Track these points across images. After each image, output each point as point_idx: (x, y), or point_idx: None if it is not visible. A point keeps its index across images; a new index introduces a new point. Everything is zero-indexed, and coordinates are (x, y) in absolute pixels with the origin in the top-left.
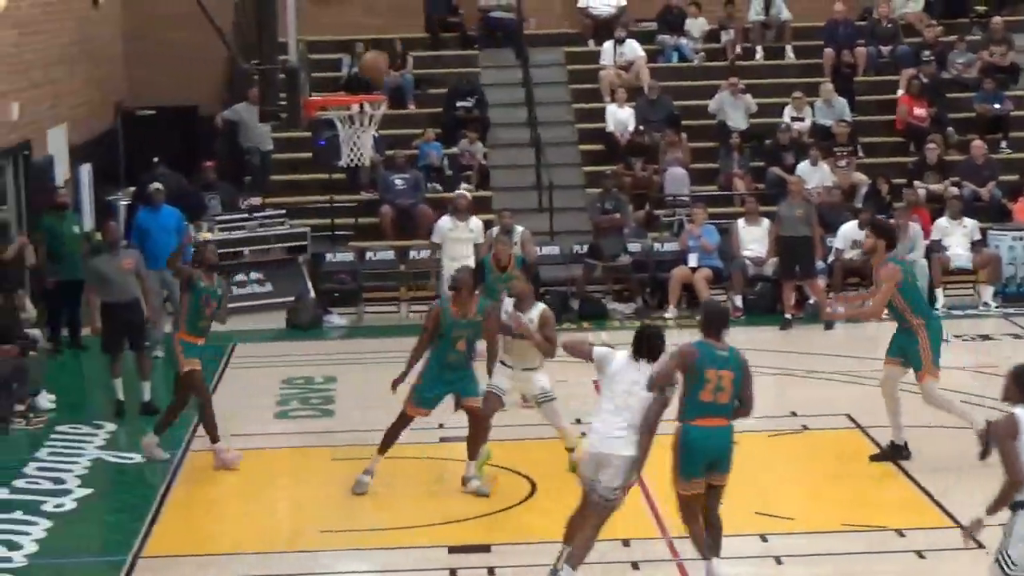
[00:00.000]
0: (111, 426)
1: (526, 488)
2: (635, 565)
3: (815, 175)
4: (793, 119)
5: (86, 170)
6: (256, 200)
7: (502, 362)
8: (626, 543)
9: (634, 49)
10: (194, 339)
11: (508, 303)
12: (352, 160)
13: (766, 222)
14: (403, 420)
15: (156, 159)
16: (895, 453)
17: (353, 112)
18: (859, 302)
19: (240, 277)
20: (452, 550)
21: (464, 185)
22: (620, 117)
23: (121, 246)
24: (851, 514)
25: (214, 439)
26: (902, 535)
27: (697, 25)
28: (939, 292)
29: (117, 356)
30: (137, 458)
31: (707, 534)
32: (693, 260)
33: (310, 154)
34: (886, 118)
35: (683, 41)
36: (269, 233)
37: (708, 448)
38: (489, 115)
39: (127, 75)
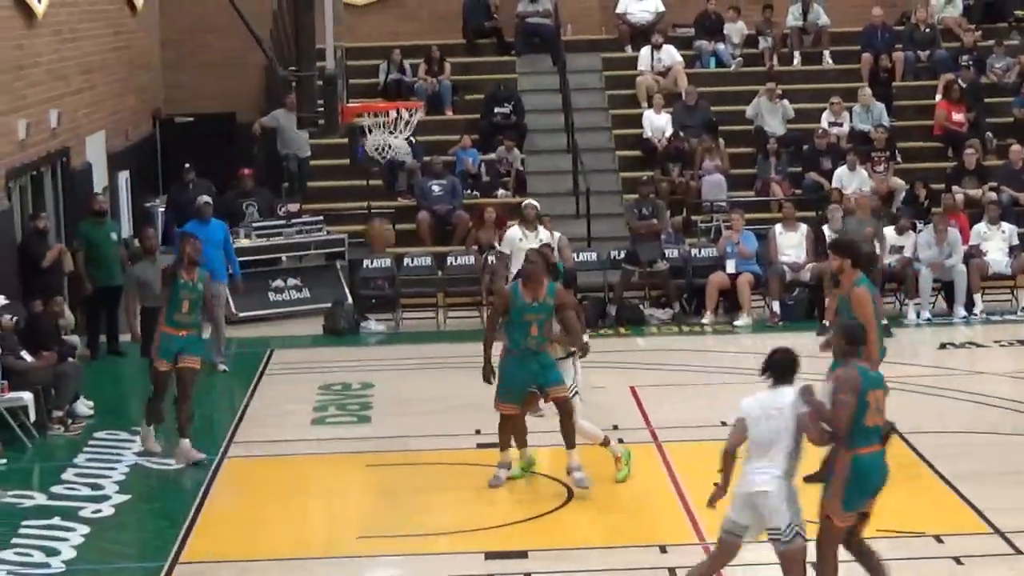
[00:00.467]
0: (149, 431)
1: (563, 494)
2: (672, 572)
3: (853, 180)
4: (831, 124)
5: (124, 177)
6: (294, 206)
7: None
8: (663, 549)
9: (671, 55)
10: (174, 331)
11: None
12: (383, 155)
13: (803, 227)
14: (504, 420)
15: (187, 166)
16: None
17: (390, 118)
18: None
19: (278, 283)
20: (489, 556)
21: (501, 191)
22: (657, 123)
23: (159, 252)
24: (888, 520)
25: (148, 423)
26: (940, 541)
27: (736, 30)
28: (977, 297)
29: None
30: (175, 464)
31: (864, 561)
32: (731, 266)
33: (348, 160)
34: (924, 123)
35: (721, 47)
36: (307, 239)
37: (879, 476)
38: (526, 121)
39: (165, 82)
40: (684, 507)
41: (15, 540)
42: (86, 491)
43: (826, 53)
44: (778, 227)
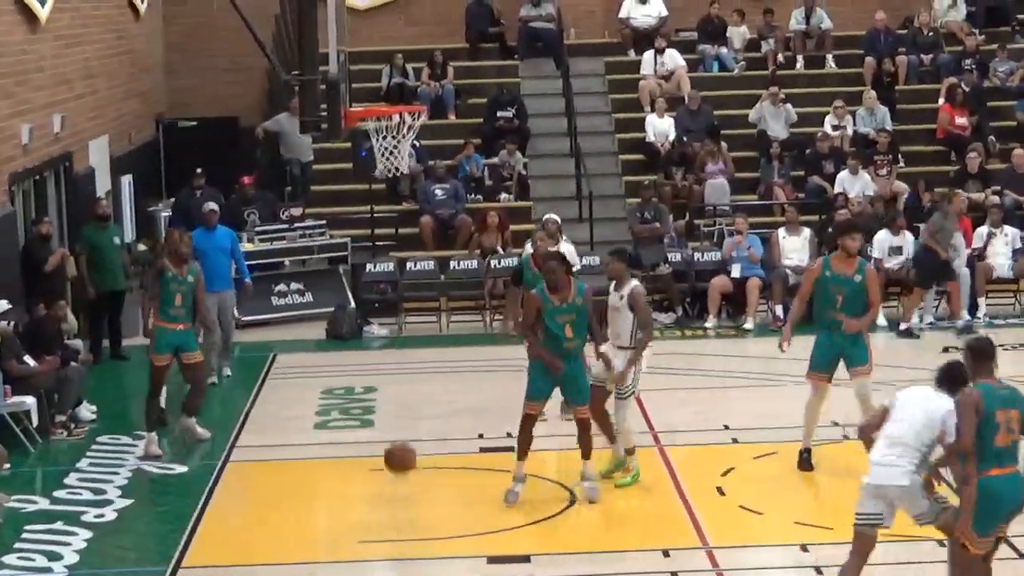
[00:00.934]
0: (152, 436)
1: (565, 498)
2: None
3: (856, 184)
4: (835, 127)
5: (127, 181)
6: (297, 211)
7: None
8: (666, 553)
9: (675, 59)
10: (171, 325)
11: None
12: (388, 171)
13: (806, 231)
14: (526, 420)
15: (199, 171)
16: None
17: (393, 123)
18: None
19: (281, 287)
20: (491, 560)
21: (504, 195)
22: (660, 127)
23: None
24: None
25: (151, 429)
26: (943, 545)
27: (739, 34)
28: (982, 301)
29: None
30: (178, 468)
31: None
32: (736, 270)
33: (350, 165)
34: (927, 127)
35: (724, 50)
36: (310, 243)
37: (1012, 499)
38: (529, 125)
39: (168, 86)
40: (687, 511)
41: (18, 544)
42: (89, 495)
43: (829, 57)
44: (781, 231)
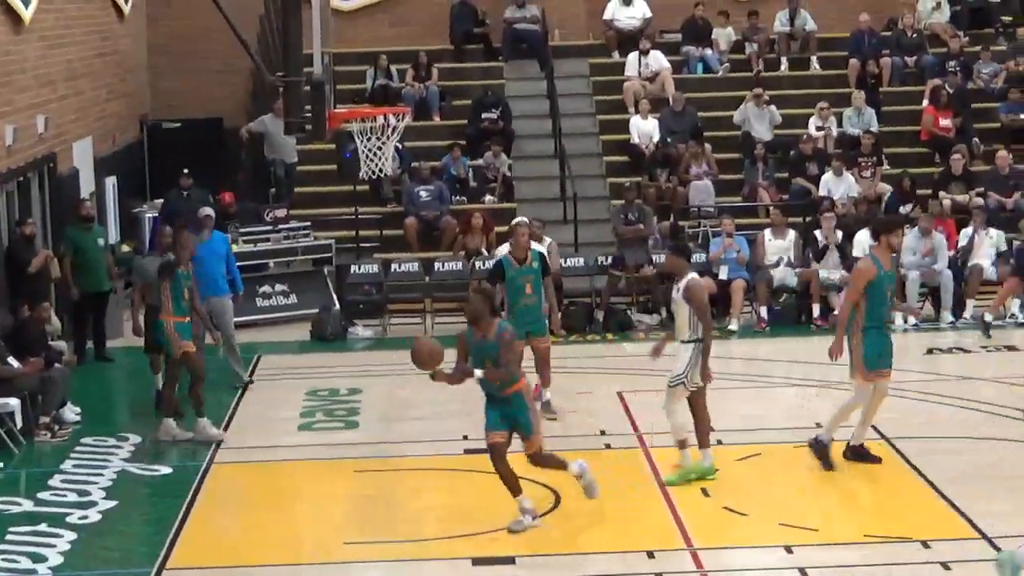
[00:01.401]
0: (136, 438)
1: (550, 499)
2: None
3: (840, 186)
4: (818, 129)
5: (111, 183)
6: (281, 212)
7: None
8: (650, 554)
9: (659, 60)
10: (182, 319)
11: None
12: (372, 173)
13: (792, 233)
14: (492, 452)
15: (185, 171)
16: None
17: (377, 124)
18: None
19: (265, 289)
20: (476, 562)
21: (489, 197)
22: (644, 128)
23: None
24: (875, 525)
25: (169, 415)
26: (927, 546)
27: (724, 35)
28: (969, 303)
29: (158, 354)
30: (162, 470)
31: None
32: (724, 272)
33: (335, 166)
34: (911, 128)
35: (708, 52)
36: (294, 245)
37: None
38: (514, 127)
39: (152, 87)
40: (672, 512)
41: (2, 546)
42: (73, 497)
43: (813, 59)
44: (767, 232)
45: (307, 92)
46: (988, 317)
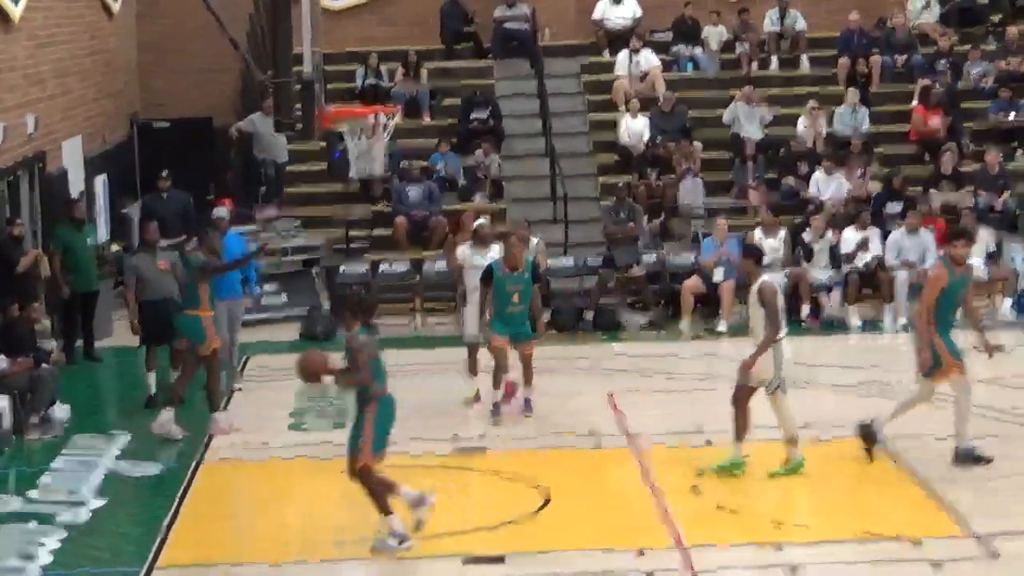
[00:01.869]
0: (126, 437)
1: (540, 498)
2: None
3: (830, 185)
4: (806, 127)
5: (101, 181)
6: (271, 211)
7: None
8: (641, 553)
9: (649, 59)
10: (211, 314)
11: None
12: (362, 172)
13: (782, 232)
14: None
15: (164, 173)
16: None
17: (367, 123)
18: None
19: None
20: (466, 561)
21: (478, 195)
22: (634, 128)
23: (159, 247)
24: (867, 523)
25: (175, 405)
26: (917, 544)
27: (714, 34)
28: None
29: (152, 351)
30: (152, 469)
31: None
32: (719, 274)
33: (325, 165)
34: (901, 128)
35: (698, 51)
36: (283, 244)
37: None
38: (504, 126)
39: (142, 86)
40: (661, 511)
41: None
42: (63, 496)
43: (803, 58)
44: (758, 231)
45: (297, 91)
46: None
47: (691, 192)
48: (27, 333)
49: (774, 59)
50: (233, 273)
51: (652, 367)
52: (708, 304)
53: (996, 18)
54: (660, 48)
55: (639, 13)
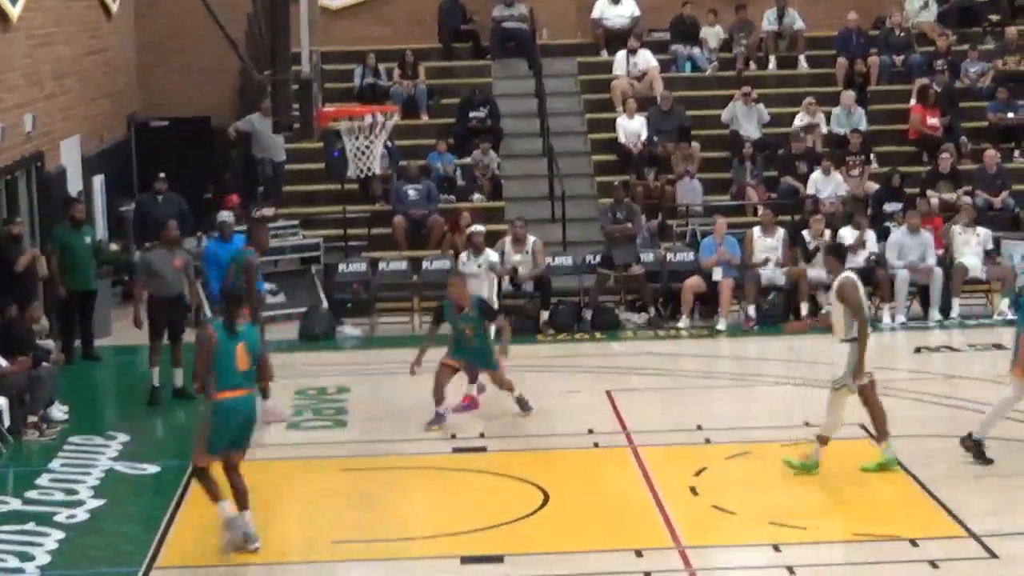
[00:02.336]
0: (124, 437)
1: (539, 498)
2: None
3: (828, 185)
4: (806, 129)
5: (99, 181)
6: (269, 211)
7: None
8: (639, 553)
9: (647, 59)
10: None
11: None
12: (360, 172)
13: (781, 231)
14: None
15: (162, 175)
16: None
17: (365, 123)
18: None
19: None
20: (464, 560)
21: (477, 196)
22: (631, 128)
23: (180, 245)
24: (864, 524)
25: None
26: (915, 544)
27: (712, 34)
28: (955, 301)
29: (157, 346)
30: (150, 469)
31: None
32: (718, 274)
33: (323, 165)
34: (899, 127)
35: (696, 51)
36: (282, 244)
37: None
38: (502, 125)
39: (140, 86)
40: (659, 511)
41: None
42: (61, 496)
43: (801, 57)
44: (756, 230)
45: (295, 91)
46: None
47: (689, 192)
48: (26, 333)
49: (772, 59)
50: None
51: (651, 366)
52: (707, 303)
53: (994, 18)
54: (658, 48)
55: (637, 13)
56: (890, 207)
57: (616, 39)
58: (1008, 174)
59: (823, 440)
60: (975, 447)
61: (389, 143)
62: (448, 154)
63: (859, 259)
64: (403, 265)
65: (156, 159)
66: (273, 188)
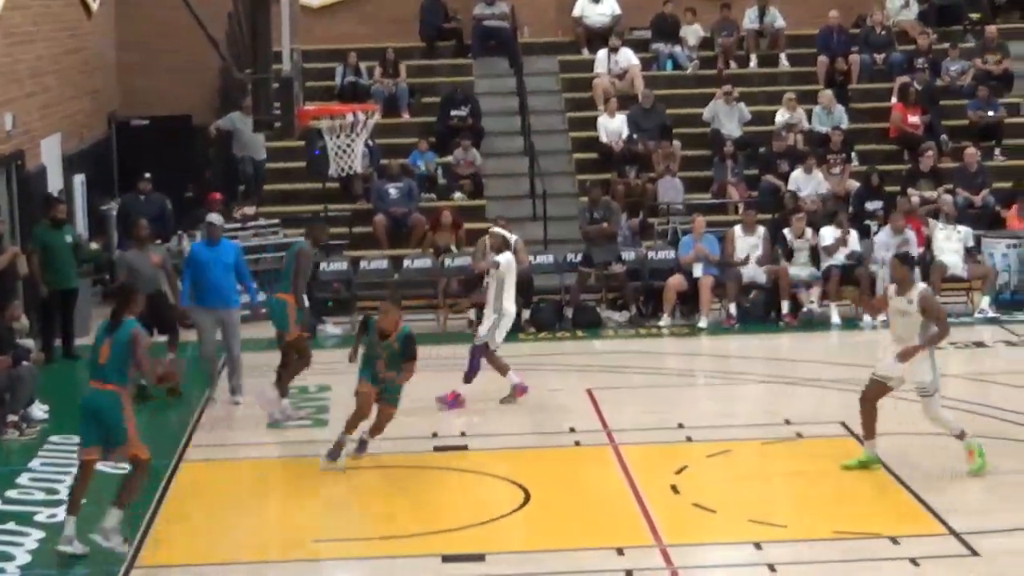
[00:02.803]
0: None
1: (520, 497)
2: (629, 574)
3: (809, 183)
4: (787, 128)
5: (80, 180)
6: (250, 209)
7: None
8: (620, 551)
9: (628, 57)
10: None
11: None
12: (341, 170)
13: (761, 229)
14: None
15: (147, 175)
16: None
17: (346, 121)
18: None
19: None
20: (446, 559)
21: (458, 194)
22: (612, 126)
23: (152, 243)
24: (845, 522)
25: (284, 394)
26: (896, 543)
27: (692, 32)
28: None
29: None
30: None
31: None
32: (698, 270)
33: (304, 163)
34: (880, 125)
35: (677, 49)
36: (263, 242)
37: None
38: (483, 124)
39: (121, 85)
40: (641, 509)
41: None
42: (41, 496)
43: (782, 55)
44: (737, 229)
45: (276, 89)
46: None
47: (670, 190)
48: (6, 331)
49: (753, 57)
50: (223, 281)
51: (632, 364)
52: (687, 301)
53: (974, 16)
54: (639, 46)
55: (618, 11)
56: (871, 205)
57: (597, 37)
58: (988, 172)
59: (961, 435)
60: None
61: (370, 142)
62: (430, 153)
63: (840, 257)
64: (384, 264)
65: (137, 158)
66: (254, 187)
